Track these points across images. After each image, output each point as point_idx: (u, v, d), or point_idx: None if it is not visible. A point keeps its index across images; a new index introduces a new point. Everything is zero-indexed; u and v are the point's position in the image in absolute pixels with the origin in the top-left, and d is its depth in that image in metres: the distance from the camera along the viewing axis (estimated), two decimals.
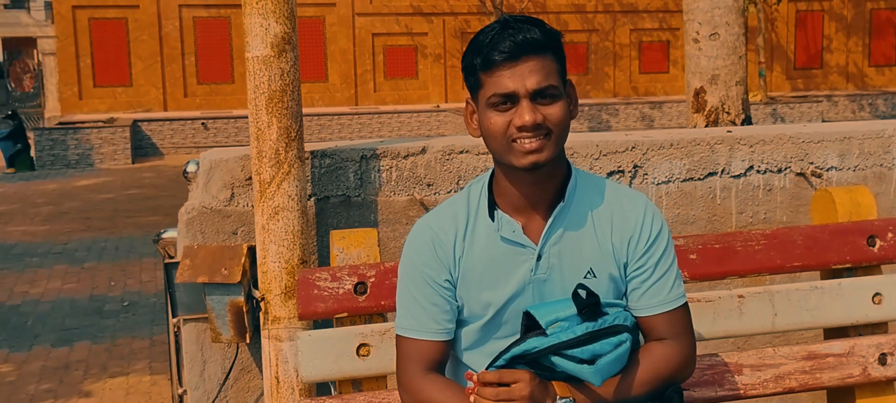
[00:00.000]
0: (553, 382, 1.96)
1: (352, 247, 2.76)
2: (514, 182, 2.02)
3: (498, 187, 2.06)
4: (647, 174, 3.68)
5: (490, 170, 2.11)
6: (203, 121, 20.04)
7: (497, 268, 2.02)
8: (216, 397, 3.30)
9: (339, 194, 3.36)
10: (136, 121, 19.42)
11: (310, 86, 21.82)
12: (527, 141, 1.94)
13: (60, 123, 19.04)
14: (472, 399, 1.93)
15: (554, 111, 1.96)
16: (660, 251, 2.06)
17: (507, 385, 1.90)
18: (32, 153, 17.68)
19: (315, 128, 20.37)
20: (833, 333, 2.67)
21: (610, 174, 3.62)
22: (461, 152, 3.46)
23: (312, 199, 3.35)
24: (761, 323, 2.55)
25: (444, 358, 2.08)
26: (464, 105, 2.11)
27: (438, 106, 22.78)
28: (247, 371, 3.34)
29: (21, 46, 25.67)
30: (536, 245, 2.02)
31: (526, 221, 2.04)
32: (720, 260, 2.58)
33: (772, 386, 2.44)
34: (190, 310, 3.25)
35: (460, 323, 2.09)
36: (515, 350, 1.96)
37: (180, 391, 3.51)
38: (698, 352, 2.63)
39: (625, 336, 1.98)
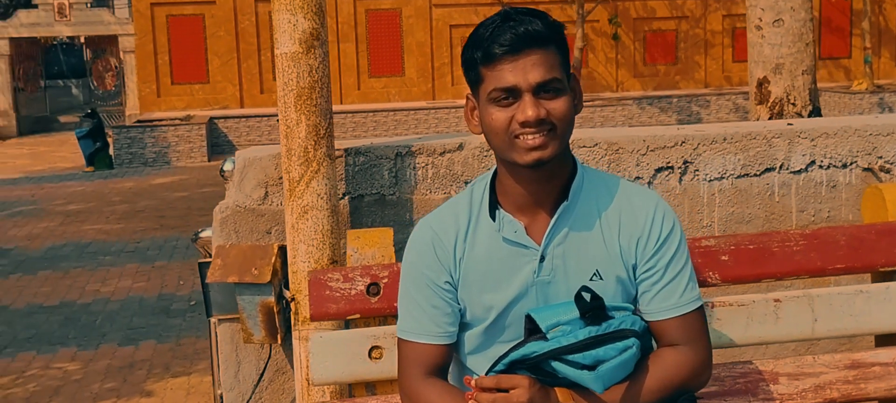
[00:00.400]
0: (556, 388, 1.88)
1: (366, 247, 2.70)
2: (517, 180, 1.94)
3: (501, 186, 1.99)
4: (698, 170, 3.54)
5: (493, 169, 2.03)
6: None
7: (499, 270, 1.95)
8: (250, 398, 3.27)
9: (374, 193, 3.30)
10: (212, 118, 19.69)
11: (386, 80, 21.84)
12: (530, 137, 1.87)
13: (138, 121, 19.42)
14: None
15: (558, 105, 1.89)
16: (671, 252, 1.97)
17: (506, 391, 1.83)
18: (111, 151, 18.08)
19: (391, 124, 20.40)
20: (882, 341, 2.51)
21: (658, 171, 3.48)
22: None
23: (346, 198, 3.30)
24: (799, 329, 2.40)
25: (446, 362, 2.01)
26: (465, 101, 2.03)
27: None
28: (281, 373, 3.31)
29: (104, 45, 26.27)
30: (539, 245, 1.94)
31: (529, 221, 1.96)
32: (755, 261, 2.45)
33: (811, 397, 2.29)
34: (224, 310, 3.23)
35: (463, 326, 2.02)
36: (514, 355, 1.88)
37: (219, 391, 3.50)
38: (730, 359, 2.50)
39: (631, 341, 1.88)
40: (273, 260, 3.06)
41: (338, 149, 3.26)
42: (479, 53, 1.88)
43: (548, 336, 1.86)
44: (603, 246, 1.95)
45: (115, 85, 26.58)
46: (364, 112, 20.41)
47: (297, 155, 3.01)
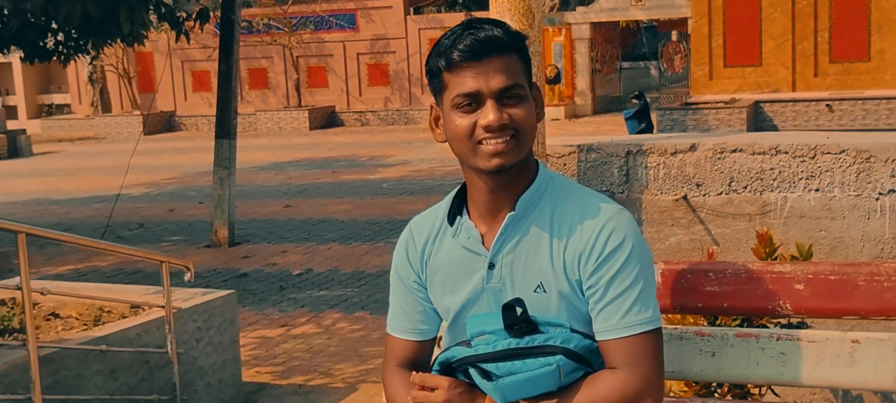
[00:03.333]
0: (488, 396, 1.88)
1: None
2: (479, 187, 1.95)
3: (469, 192, 2.01)
4: None
5: None
6: (828, 102, 19.16)
7: (456, 274, 1.98)
8: None
9: (604, 190, 3.31)
10: (758, 101, 19.36)
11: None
12: (492, 142, 1.87)
13: (685, 103, 19.81)
14: (409, 399, 1.95)
15: (520, 112, 1.88)
16: (613, 270, 1.85)
17: (432, 389, 1.89)
18: (654, 133, 18.76)
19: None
20: None
21: None
22: (734, 151, 3.15)
23: None
24: (878, 376, 1.97)
25: (419, 357, 2.08)
26: (428, 109, 2.07)
27: None
28: None
29: (673, 27, 27.14)
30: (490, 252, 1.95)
31: (488, 228, 1.96)
32: (834, 293, 2.06)
33: None
34: None
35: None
36: (440, 358, 1.94)
37: None
38: (794, 398, 2.17)
39: (554, 358, 1.82)
40: None
41: (570, 145, 3.34)
42: (442, 61, 1.92)
43: (472, 343, 1.89)
44: (549, 259, 1.90)
45: (683, 67, 27.28)
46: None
47: None
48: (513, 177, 1.92)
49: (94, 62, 27.54)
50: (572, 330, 1.88)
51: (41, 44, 11.58)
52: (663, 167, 3.23)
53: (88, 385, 5.22)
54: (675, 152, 3.21)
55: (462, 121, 1.90)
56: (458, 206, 2.02)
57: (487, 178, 1.92)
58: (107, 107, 30.13)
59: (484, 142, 1.88)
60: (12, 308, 6.33)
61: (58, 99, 31.58)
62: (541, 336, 1.85)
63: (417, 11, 26.95)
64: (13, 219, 13.30)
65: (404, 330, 2.08)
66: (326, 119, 26.72)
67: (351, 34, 26.89)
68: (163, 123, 28.81)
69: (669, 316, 2.46)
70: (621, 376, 1.83)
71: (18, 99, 31.46)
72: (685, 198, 3.23)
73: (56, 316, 6.30)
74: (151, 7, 11.11)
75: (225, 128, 12.06)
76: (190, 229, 12.47)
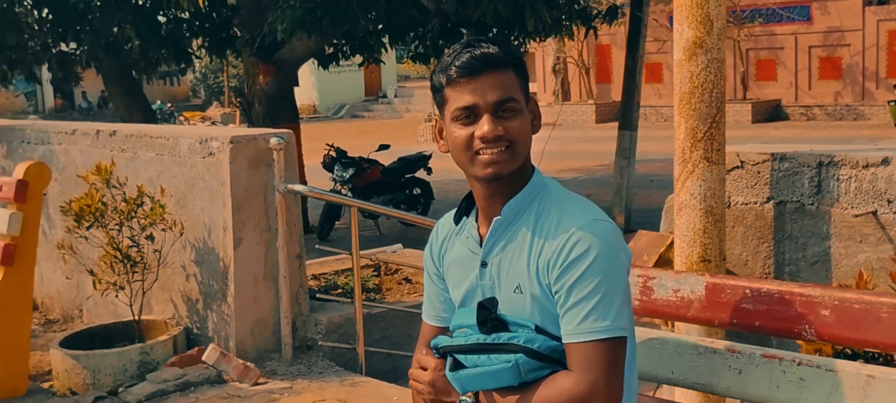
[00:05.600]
0: None
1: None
2: (478, 192, 2.12)
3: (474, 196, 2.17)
4: None
5: None
6: None
7: (460, 269, 2.16)
8: None
9: (794, 201, 3.21)
10: None
11: None
12: (488, 152, 2.02)
13: None
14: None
15: (515, 124, 2.02)
16: (575, 276, 1.94)
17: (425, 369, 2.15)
18: None
19: None
20: None
21: None
22: None
23: (770, 203, 3.28)
24: None
25: None
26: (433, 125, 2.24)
27: None
28: None
29: None
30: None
31: (486, 230, 2.12)
32: (856, 324, 1.90)
33: None
34: None
35: None
36: (432, 343, 2.16)
37: None
38: None
39: (517, 356, 1.97)
40: (661, 250, 3.34)
41: (763, 153, 3.29)
42: (443, 77, 2.06)
43: (453, 334, 2.11)
44: (526, 263, 2.02)
45: None
46: None
47: (677, 154, 3.22)
48: (507, 184, 2.06)
49: (557, 55, 29.32)
50: (540, 331, 2.01)
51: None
52: (854, 180, 3.04)
53: (412, 344, 5.94)
54: (867, 165, 3.01)
55: (460, 132, 2.05)
56: (466, 208, 2.21)
57: (484, 185, 2.07)
58: (566, 96, 31.81)
59: (480, 151, 2.03)
60: (376, 271, 7.31)
61: (531, 87, 33.99)
62: (506, 335, 2.01)
63: (881, 2, 24.90)
64: (453, 192, 14.66)
65: (430, 316, 2.31)
66: (770, 112, 25.80)
67: (804, 26, 25.63)
68: (614, 113, 29.74)
69: (708, 328, 2.42)
70: (573, 378, 1.93)
71: None
72: (874, 213, 3.01)
73: (408, 281, 7.18)
74: (562, 4, 11.76)
75: (627, 120, 12.42)
76: None
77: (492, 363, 2.00)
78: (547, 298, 2.01)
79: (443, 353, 2.14)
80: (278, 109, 12.20)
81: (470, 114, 2.03)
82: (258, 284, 4.91)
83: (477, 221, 2.16)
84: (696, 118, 3.17)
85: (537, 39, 12.01)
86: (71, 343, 5.04)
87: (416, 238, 9.08)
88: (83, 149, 6.07)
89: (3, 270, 4.57)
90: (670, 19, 11.94)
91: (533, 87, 33.53)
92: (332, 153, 12.93)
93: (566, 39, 13.94)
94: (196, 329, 5.20)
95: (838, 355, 2.47)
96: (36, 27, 12.32)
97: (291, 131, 5.10)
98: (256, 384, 4.68)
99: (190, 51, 13.65)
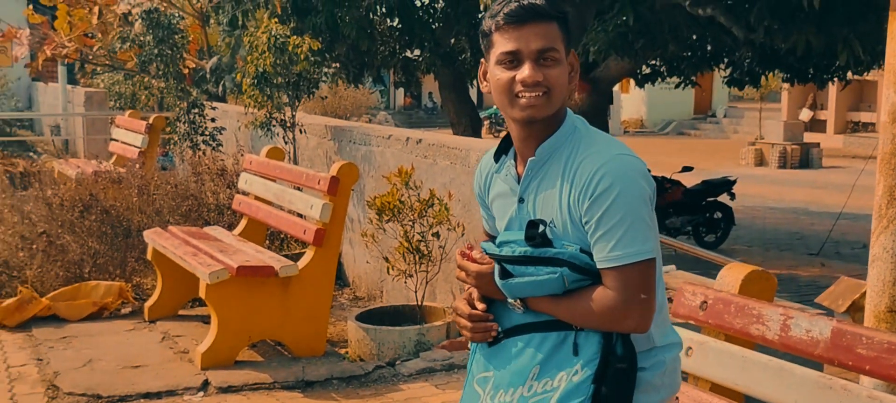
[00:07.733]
0: None
1: None
2: (516, 132, 2.30)
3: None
4: None
5: None
6: None
7: (503, 201, 2.37)
8: None
9: None
10: None
11: None
12: (526, 96, 2.20)
13: None
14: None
15: (554, 73, 2.20)
16: (602, 209, 2.14)
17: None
18: None
19: None
20: None
21: None
22: None
23: None
24: None
25: None
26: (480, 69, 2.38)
27: None
28: None
29: None
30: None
31: (523, 168, 2.30)
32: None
33: None
34: None
35: None
36: (481, 245, 2.38)
37: None
38: None
39: (561, 269, 2.19)
40: (855, 297, 3.58)
41: None
42: (492, 23, 2.23)
43: (499, 247, 2.30)
44: (559, 199, 2.22)
45: None
46: None
47: (875, 210, 3.46)
48: (543, 127, 2.24)
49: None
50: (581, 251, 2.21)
51: (800, 68, 12.63)
52: None
53: None
54: None
55: (503, 75, 2.22)
56: (506, 147, 2.37)
57: (521, 127, 2.26)
58: None
59: (520, 95, 2.20)
60: None
61: (865, 117, 32.04)
62: (552, 250, 2.21)
63: None
64: (760, 219, 14.40)
65: (485, 230, 2.53)
66: None
67: None
68: None
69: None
70: (610, 294, 2.16)
71: (829, 114, 32.72)
72: None
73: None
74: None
75: None
76: None
77: (539, 273, 2.20)
78: (579, 230, 2.21)
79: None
80: (592, 124, 12.74)
81: (513, 59, 2.21)
82: None
83: (515, 161, 2.34)
84: (895, 178, 3.38)
85: (851, 74, 11.68)
86: (365, 318, 5.95)
87: (692, 260, 9.29)
88: (395, 153, 7.05)
89: (314, 249, 5.57)
90: None
91: (871, 117, 31.45)
92: None
93: None
94: None
95: None
96: (387, 35, 13.75)
97: None
98: None
99: None
